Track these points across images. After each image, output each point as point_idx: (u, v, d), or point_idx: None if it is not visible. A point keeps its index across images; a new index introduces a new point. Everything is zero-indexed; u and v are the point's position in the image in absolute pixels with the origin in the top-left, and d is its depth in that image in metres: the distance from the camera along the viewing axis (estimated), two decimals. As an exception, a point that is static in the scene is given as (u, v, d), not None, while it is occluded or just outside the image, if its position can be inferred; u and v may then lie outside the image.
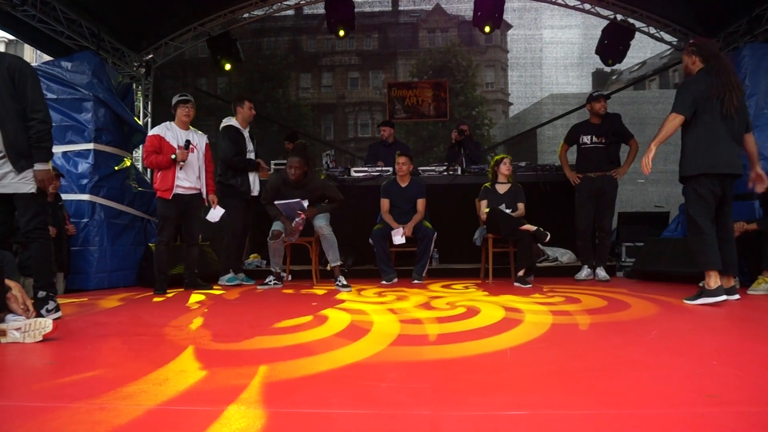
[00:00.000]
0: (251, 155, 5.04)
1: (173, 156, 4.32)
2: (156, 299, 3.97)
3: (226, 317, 3.22)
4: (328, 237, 4.55)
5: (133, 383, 1.71)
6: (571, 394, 1.55)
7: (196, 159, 4.54)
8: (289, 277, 5.23)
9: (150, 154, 4.35)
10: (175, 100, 4.54)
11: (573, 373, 1.78)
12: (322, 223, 4.58)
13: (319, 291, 4.39)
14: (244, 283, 5.00)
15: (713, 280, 3.21)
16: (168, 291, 4.34)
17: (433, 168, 6.20)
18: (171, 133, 4.43)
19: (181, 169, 4.37)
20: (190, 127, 4.58)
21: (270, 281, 4.69)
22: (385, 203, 5.26)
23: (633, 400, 1.49)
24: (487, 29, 7.19)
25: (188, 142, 4.41)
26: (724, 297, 3.20)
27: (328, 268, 4.61)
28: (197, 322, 2.94)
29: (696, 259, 3.38)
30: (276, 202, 4.55)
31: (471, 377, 1.75)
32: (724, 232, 3.42)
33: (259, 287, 4.62)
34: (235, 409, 1.44)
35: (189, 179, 4.46)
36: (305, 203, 4.53)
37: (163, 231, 4.40)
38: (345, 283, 4.37)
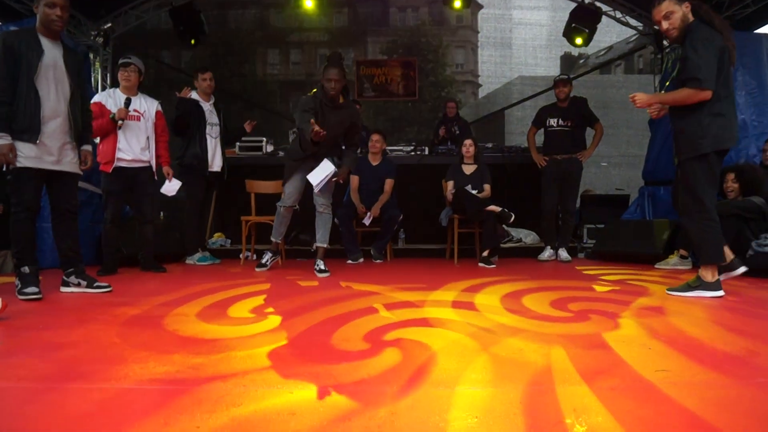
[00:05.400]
0: (216, 128, 4.90)
1: (112, 115, 4.03)
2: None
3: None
4: (325, 215, 4.15)
5: (86, 364, 1.67)
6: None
7: (143, 128, 4.23)
8: (254, 257, 5.17)
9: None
10: (119, 63, 4.28)
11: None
12: (325, 199, 4.12)
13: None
14: (215, 262, 4.92)
15: (711, 274, 2.92)
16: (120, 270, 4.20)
17: (401, 148, 6.20)
18: (113, 100, 4.15)
19: (120, 128, 4.06)
20: (139, 93, 4.28)
21: (267, 260, 4.26)
22: (354, 180, 5.23)
23: (588, 377, 1.53)
24: (457, 5, 7.13)
25: (128, 100, 4.09)
26: (722, 293, 2.90)
27: (312, 248, 4.37)
28: (153, 302, 2.88)
29: (705, 250, 2.96)
30: (314, 182, 3.93)
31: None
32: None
33: (257, 269, 4.24)
34: (200, 388, 1.42)
35: (133, 150, 4.15)
36: (333, 168, 3.94)
37: (108, 208, 4.16)
38: (324, 268, 4.03)
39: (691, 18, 2.91)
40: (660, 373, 1.52)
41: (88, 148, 3.23)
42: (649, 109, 3.08)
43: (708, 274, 2.91)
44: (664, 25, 2.95)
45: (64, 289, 3.14)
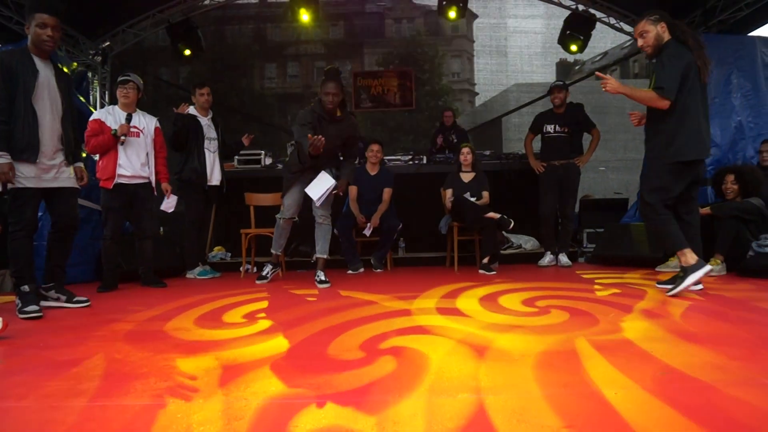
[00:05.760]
0: (214, 143, 4.92)
1: (114, 131, 4.04)
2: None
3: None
4: (325, 226, 4.14)
5: (88, 381, 1.66)
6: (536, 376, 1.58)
7: (143, 144, 4.24)
8: (255, 269, 5.17)
9: (90, 139, 4.06)
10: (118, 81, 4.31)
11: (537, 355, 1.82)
12: (324, 211, 4.11)
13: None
14: (216, 275, 4.92)
15: (690, 256, 3.03)
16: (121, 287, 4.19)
17: (399, 157, 6.22)
18: (112, 117, 4.16)
19: (122, 144, 4.09)
20: (137, 109, 4.30)
21: (268, 273, 4.28)
22: (353, 190, 5.24)
23: (593, 380, 1.53)
24: (452, 15, 7.19)
25: (129, 116, 4.13)
26: (709, 267, 3.03)
27: (312, 260, 4.36)
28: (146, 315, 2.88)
29: (670, 241, 3.14)
30: (314, 197, 3.95)
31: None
32: (693, 216, 3.36)
33: (258, 282, 4.25)
34: (202, 402, 1.42)
35: (133, 166, 4.16)
36: (333, 182, 3.94)
37: (108, 224, 4.15)
38: (324, 279, 4.02)
39: (667, 37, 3.20)
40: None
41: (80, 165, 3.27)
42: (631, 118, 3.38)
43: (687, 259, 3.04)
44: (640, 42, 3.27)
45: (41, 303, 3.10)
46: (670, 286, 3.20)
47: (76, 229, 3.26)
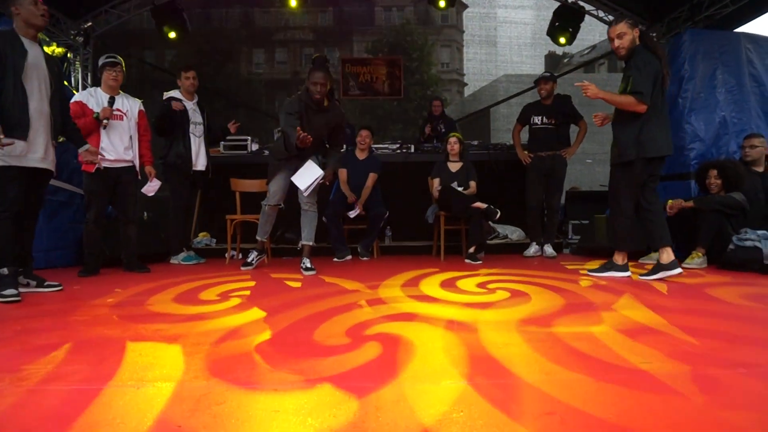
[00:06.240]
0: (199, 127, 4.85)
1: (95, 114, 3.98)
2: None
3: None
4: (311, 213, 4.09)
5: (66, 365, 1.64)
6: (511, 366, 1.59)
7: (126, 127, 4.18)
8: (240, 256, 5.14)
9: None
10: (101, 62, 4.18)
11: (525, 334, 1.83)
12: (310, 198, 4.05)
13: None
14: (200, 261, 4.87)
15: (622, 258, 3.58)
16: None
17: (387, 146, 6.20)
18: (95, 99, 4.08)
19: (104, 128, 4.02)
20: (121, 91, 4.22)
21: (253, 259, 4.24)
22: (343, 173, 5.24)
23: (575, 369, 1.54)
24: (441, 4, 7.14)
25: (112, 99, 4.07)
26: (629, 273, 3.56)
27: (298, 247, 4.34)
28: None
29: (618, 240, 3.60)
30: (302, 187, 3.93)
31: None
32: (655, 206, 3.51)
33: (243, 268, 4.19)
34: (181, 387, 1.40)
35: (116, 150, 4.10)
36: (321, 172, 3.93)
37: (90, 208, 4.09)
38: (310, 266, 3.99)
39: (638, 42, 3.40)
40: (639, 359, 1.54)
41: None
42: (594, 119, 3.61)
43: (619, 258, 3.58)
44: (616, 42, 3.42)
45: None
46: (649, 277, 3.43)
47: (38, 215, 3.26)
